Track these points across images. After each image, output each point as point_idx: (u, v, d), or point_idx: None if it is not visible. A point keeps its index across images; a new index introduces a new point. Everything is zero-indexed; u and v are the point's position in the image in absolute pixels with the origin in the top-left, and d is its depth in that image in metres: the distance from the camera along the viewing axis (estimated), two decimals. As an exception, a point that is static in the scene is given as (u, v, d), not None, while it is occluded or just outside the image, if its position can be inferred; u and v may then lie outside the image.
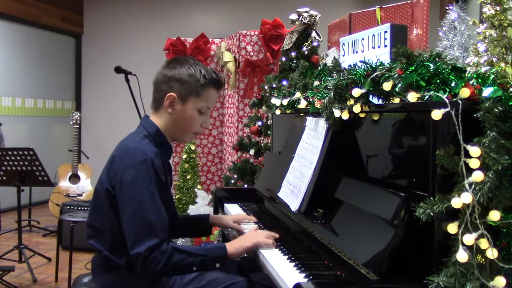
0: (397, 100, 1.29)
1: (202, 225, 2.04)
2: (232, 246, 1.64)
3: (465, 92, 1.10)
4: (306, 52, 2.94)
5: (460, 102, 1.08)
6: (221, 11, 6.75)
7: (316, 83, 1.94)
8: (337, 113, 1.52)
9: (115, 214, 1.60)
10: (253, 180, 3.19)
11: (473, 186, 1.02)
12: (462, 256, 1.02)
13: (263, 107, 3.09)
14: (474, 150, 1.02)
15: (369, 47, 1.80)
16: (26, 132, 6.10)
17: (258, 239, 1.69)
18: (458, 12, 1.69)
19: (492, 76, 1.11)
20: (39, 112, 6.35)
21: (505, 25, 1.36)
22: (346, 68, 1.60)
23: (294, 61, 2.95)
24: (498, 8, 1.37)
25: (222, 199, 2.50)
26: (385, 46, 1.68)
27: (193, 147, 4.11)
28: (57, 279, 3.49)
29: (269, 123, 3.24)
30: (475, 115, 1.05)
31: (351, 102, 1.47)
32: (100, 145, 6.57)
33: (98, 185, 1.68)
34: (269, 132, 3.21)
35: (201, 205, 3.75)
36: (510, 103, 1.02)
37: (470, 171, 1.03)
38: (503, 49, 1.35)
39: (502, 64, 1.34)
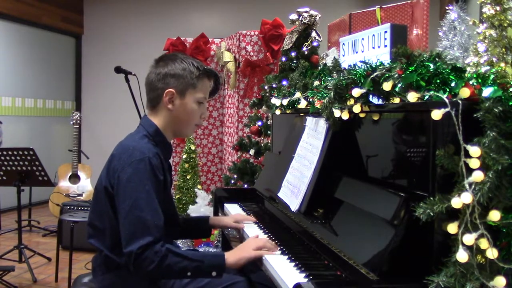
0: (397, 100, 1.29)
1: (202, 227, 2.04)
2: (232, 256, 1.60)
3: (465, 92, 1.10)
4: (306, 52, 2.94)
5: (460, 102, 1.08)
6: (221, 11, 6.75)
7: (316, 83, 1.94)
8: (337, 113, 1.52)
9: (114, 213, 1.60)
10: (253, 180, 3.19)
11: (473, 186, 1.02)
12: (462, 256, 1.02)
13: (263, 107, 3.09)
14: (474, 150, 1.02)
15: (369, 47, 1.80)
16: (26, 132, 6.10)
17: (259, 248, 1.64)
18: (458, 12, 1.68)
19: (492, 76, 1.11)
20: (39, 112, 6.35)
21: (505, 25, 1.36)
22: (346, 68, 1.60)
23: (294, 61, 2.95)
24: (498, 8, 1.37)
25: (222, 199, 2.50)
26: (385, 46, 1.68)
27: (193, 147, 4.11)
28: (57, 279, 3.50)
29: (269, 123, 3.24)
30: (475, 115, 1.05)
31: (351, 102, 1.47)
32: (100, 145, 6.57)
33: (98, 184, 1.68)
34: (269, 132, 3.21)
35: (201, 205, 3.75)
36: (510, 103, 1.02)
37: (470, 171, 1.03)
38: (503, 49, 1.35)
39: (502, 64, 1.34)
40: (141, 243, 1.48)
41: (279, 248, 1.68)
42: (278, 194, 1.95)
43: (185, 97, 1.71)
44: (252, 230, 1.95)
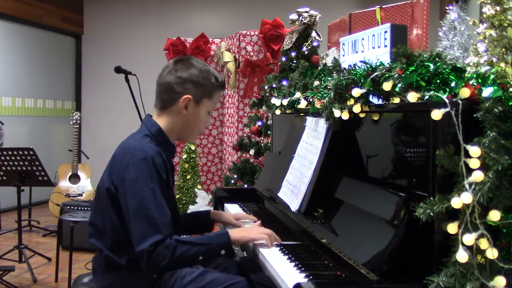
0: (397, 100, 1.29)
1: (203, 221, 2.06)
2: (236, 233, 1.66)
3: (465, 92, 1.10)
4: (306, 52, 2.94)
5: (460, 102, 1.08)
6: (221, 11, 6.75)
7: (316, 83, 1.94)
8: (337, 113, 1.52)
9: (116, 213, 1.61)
10: (253, 180, 3.19)
11: (473, 186, 1.02)
12: (462, 256, 1.02)
13: (263, 107, 3.09)
14: (474, 150, 1.02)
15: (369, 47, 1.80)
16: (26, 132, 6.10)
17: (264, 234, 1.69)
18: (458, 12, 1.68)
19: (492, 76, 1.11)
20: (39, 112, 6.35)
21: (505, 25, 1.36)
22: (346, 68, 1.60)
23: (294, 61, 2.95)
24: (498, 8, 1.36)
25: (222, 199, 2.50)
26: (385, 46, 1.68)
27: (193, 147, 4.11)
28: (57, 279, 3.49)
29: (269, 123, 3.24)
30: (475, 115, 1.05)
31: (351, 102, 1.47)
32: (100, 145, 6.57)
33: (100, 184, 1.69)
34: (269, 132, 3.21)
35: (201, 205, 3.76)
36: (510, 103, 1.02)
37: (470, 171, 1.03)
38: (503, 49, 1.35)
39: (502, 64, 1.34)
40: (151, 241, 1.50)
41: (279, 248, 1.68)
42: (278, 194, 1.95)
43: (200, 105, 1.74)
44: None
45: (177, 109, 1.72)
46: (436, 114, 1.10)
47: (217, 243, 1.61)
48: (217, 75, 1.77)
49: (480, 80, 1.11)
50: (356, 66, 1.46)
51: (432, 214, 1.08)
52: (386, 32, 1.68)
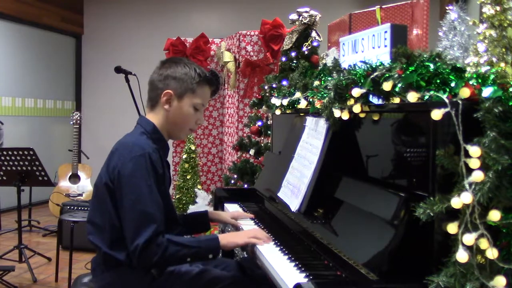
0: (397, 100, 1.29)
1: (201, 220, 2.08)
2: (225, 239, 1.69)
3: (465, 92, 1.10)
4: (306, 52, 2.94)
5: (460, 102, 1.08)
6: (221, 11, 6.75)
7: (316, 83, 1.94)
8: (337, 113, 1.52)
9: (115, 209, 1.63)
10: (253, 180, 3.19)
11: (473, 186, 1.02)
12: (462, 256, 1.02)
13: (263, 107, 3.09)
14: (474, 150, 1.02)
15: (369, 47, 1.80)
16: (26, 132, 6.10)
17: (250, 238, 1.72)
18: (458, 12, 1.68)
19: (492, 76, 1.10)
20: (39, 112, 6.35)
21: (505, 25, 1.36)
22: (346, 68, 1.60)
23: (294, 61, 2.95)
24: (498, 8, 1.36)
25: (222, 199, 2.50)
26: (385, 46, 1.68)
27: (193, 147, 4.11)
28: (57, 279, 3.50)
29: (269, 123, 3.24)
30: (475, 115, 1.05)
31: (351, 102, 1.46)
32: (100, 145, 6.56)
33: (97, 181, 1.71)
34: (269, 132, 3.21)
35: (201, 205, 3.76)
36: (510, 103, 1.02)
37: (470, 171, 1.03)
38: (503, 49, 1.35)
39: (502, 64, 1.34)
40: (146, 236, 1.53)
41: (279, 248, 1.68)
42: (278, 194, 1.95)
43: (182, 100, 1.75)
44: (251, 228, 1.95)
45: (161, 105, 1.75)
46: (436, 114, 1.10)
47: (206, 247, 1.64)
48: (200, 71, 1.76)
49: (480, 80, 1.11)
50: (356, 66, 1.46)
51: (432, 214, 1.07)
52: (386, 32, 1.68)
